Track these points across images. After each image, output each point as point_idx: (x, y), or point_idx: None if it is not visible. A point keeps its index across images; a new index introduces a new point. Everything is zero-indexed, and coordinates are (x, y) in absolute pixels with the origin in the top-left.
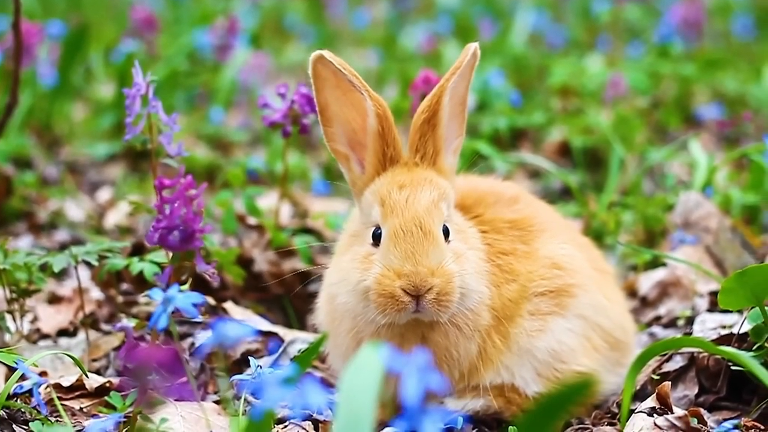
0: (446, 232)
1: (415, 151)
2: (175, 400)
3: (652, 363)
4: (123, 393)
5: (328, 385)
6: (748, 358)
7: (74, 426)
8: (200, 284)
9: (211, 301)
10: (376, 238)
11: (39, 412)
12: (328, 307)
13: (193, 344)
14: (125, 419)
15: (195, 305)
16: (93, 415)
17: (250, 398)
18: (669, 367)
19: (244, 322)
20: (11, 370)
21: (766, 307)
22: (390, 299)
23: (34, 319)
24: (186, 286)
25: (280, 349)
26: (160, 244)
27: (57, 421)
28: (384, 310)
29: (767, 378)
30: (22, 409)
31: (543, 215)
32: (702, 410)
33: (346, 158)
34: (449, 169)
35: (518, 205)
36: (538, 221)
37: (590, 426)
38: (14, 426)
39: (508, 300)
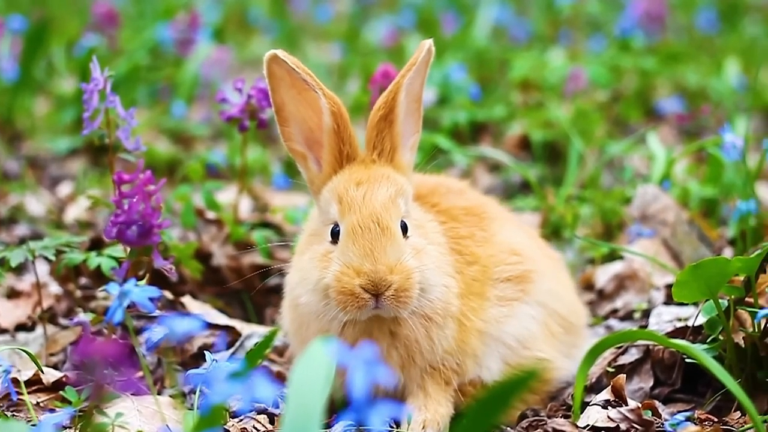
0: (404, 228)
1: (372, 147)
2: (131, 394)
3: (608, 355)
4: (78, 387)
5: (283, 379)
6: (699, 351)
7: (30, 420)
8: (158, 279)
9: (169, 295)
10: (335, 235)
11: (12, 399)
12: (293, 309)
13: (149, 339)
14: (80, 413)
15: (151, 299)
16: (49, 410)
17: (206, 392)
18: (624, 359)
19: (199, 316)
20: None
21: (720, 300)
22: (350, 297)
23: None
24: (143, 281)
25: (238, 344)
26: (118, 238)
27: (14, 415)
28: (345, 307)
29: (719, 371)
30: None
31: (490, 205)
32: (657, 402)
33: (303, 157)
34: (406, 165)
35: (466, 194)
36: (488, 209)
37: (545, 418)
38: None
39: (473, 280)
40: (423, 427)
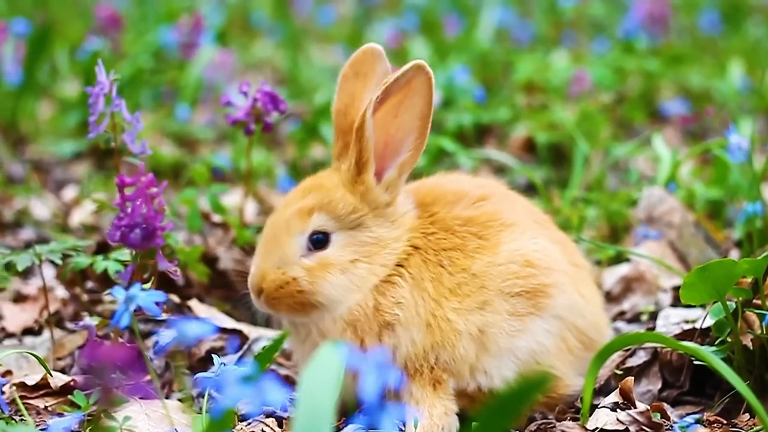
0: (321, 242)
1: (337, 157)
2: (139, 398)
3: (616, 358)
4: (86, 392)
5: (291, 382)
6: (708, 354)
7: (38, 425)
8: (165, 282)
9: (175, 299)
10: None
11: (2, 411)
12: None
13: (157, 342)
14: (89, 418)
15: (157, 303)
16: (57, 414)
17: (214, 396)
18: (632, 362)
19: (206, 319)
20: None
21: (727, 302)
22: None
23: None
24: (149, 285)
25: (245, 347)
26: (122, 242)
27: (21, 420)
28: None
29: (728, 373)
30: None
31: (513, 211)
32: (665, 405)
33: None
34: (372, 182)
35: (485, 202)
36: (503, 216)
37: (553, 421)
38: None
39: (448, 290)
40: None
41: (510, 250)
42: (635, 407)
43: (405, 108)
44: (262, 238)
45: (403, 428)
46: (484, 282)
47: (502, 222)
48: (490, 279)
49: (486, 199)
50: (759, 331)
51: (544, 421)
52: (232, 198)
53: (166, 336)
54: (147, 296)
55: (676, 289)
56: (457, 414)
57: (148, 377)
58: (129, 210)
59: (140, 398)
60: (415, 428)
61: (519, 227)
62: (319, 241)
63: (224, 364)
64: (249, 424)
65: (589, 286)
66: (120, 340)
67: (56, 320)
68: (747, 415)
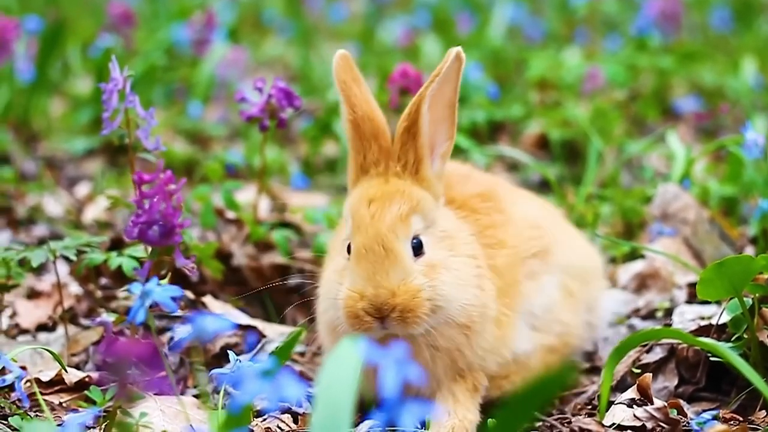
0: (419, 246)
1: (397, 159)
2: (154, 394)
3: (632, 354)
4: (102, 387)
5: (306, 378)
6: (727, 350)
7: (54, 420)
8: (179, 279)
9: (190, 295)
10: (349, 251)
11: (19, 407)
12: (323, 316)
13: (172, 338)
14: (104, 413)
15: (174, 299)
16: (72, 410)
17: (230, 391)
18: (649, 358)
19: (222, 315)
20: None
21: (744, 298)
22: (356, 319)
23: (13, 314)
24: (165, 281)
25: (260, 344)
26: (140, 239)
27: (37, 415)
28: (352, 328)
29: (746, 369)
30: (1, 405)
31: (498, 183)
32: (681, 401)
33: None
34: (433, 176)
35: (473, 178)
36: (498, 188)
37: (569, 416)
38: None
39: (505, 270)
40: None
41: (519, 219)
42: (652, 403)
43: (436, 98)
44: (359, 257)
45: (421, 426)
46: (517, 254)
47: (500, 194)
48: (516, 249)
49: (471, 176)
50: None
51: (561, 416)
52: (246, 195)
53: (182, 332)
54: (163, 291)
55: (692, 285)
56: None
57: (164, 373)
58: (147, 207)
59: (155, 394)
60: (428, 426)
61: (511, 196)
62: (418, 245)
63: (239, 360)
64: (264, 420)
65: (568, 225)
66: (136, 336)
67: (70, 316)
68: (764, 412)
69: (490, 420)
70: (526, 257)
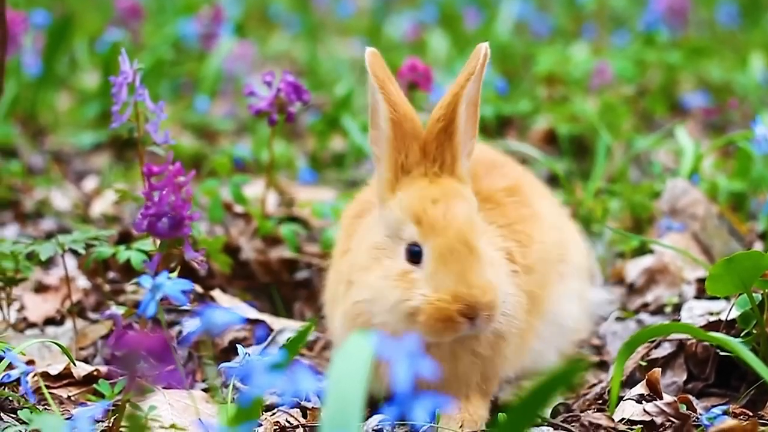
0: None
1: (433, 160)
2: (163, 387)
3: (641, 350)
4: (111, 381)
5: (315, 372)
6: (737, 344)
7: (61, 415)
8: (187, 273)
9: (198, 289)
10: (414, 255)
11: (27, 401)
12: (356, 323)
13: (180, 332)
14: (113, 407)
15: (184, 292)
16: (80, 404)
17: (239, 385)
18: (657, 353)
19: (231, 309)
20: None
21: (753, 294)
22: (447, 323)
23: (21, 308)
24: (174, 274)
25: (270, 338)
26: (149, 231)
27: (45, 409)
28: (438, 332)
29: (756, 363)
30: (10, 398)
31: (524, 176)
32: (691, 397)
33: (378, 162)
34: (466, 174)
35: (503, 168)
36: (523, 182)
37: (579, 413)
38: (2, 414)
39: (533, 269)
40: (461, 426)
41: (544, 218)
42: (662, 398)
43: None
44: (443, 259)
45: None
46: (546, 254)
47: (526, 188)
48: (546, 249)
49: (498, 165)
50: None
51: (570, 413)
52: (254, 189)
53: (191, 325)
54: (173, 285)
55: (700, 281)
56: None
57: (173, 367)
58: (156, 199)
59: (164, 388)
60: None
61: (532, 190)
62: None
63: (248, 354)
64: (273, 414)
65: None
66: (146, 329)
67: (78, 310)
68: None
69: (500, 414)
70: (556, 262)
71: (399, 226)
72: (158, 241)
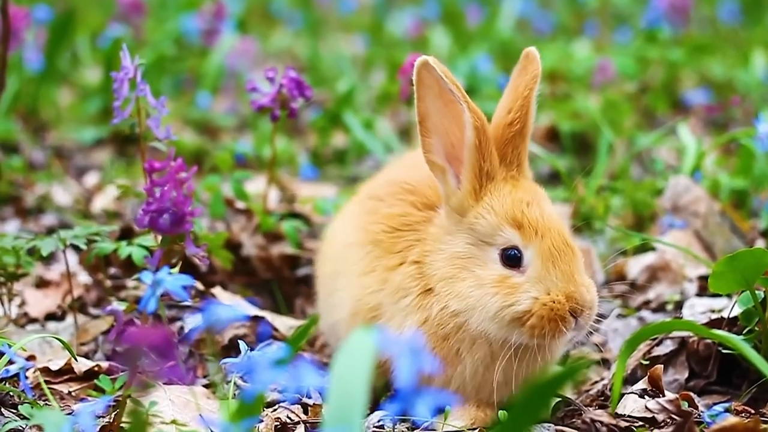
0: None
1: (509, 163)
2: (164, 383)
3: (642, 347)
4: (112, 376)
5: (318, 368)
6: (740, 342)
7: (62, 410)
8: (188, 268)
9: (199, 285)
10: (513, 260)
11: (25, 395)
12: (446, 335)
13: (182, 328)
14: (114, 403)
15: (185, 288)
16: (81, 399)
17: (240, 382)
18: (659, 351)
19: (233, 306)
20: None
21: (756, 291)
22: (559, 322)
23: (22, 303)
24: (176, 270)
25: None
26: (151, 227)
27: (45, 404)
28: (548, 334)
29: (758, 360)
30: (11, 393)
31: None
32: (692, 394)
33: (442, 171)
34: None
35: None
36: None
37: (580, 409)
38: (2, 409)
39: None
40: (473, 423)
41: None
42: (664, 395)
43: None
44: (551, 260)
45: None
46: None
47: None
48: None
49: None
50: None
51: (572, 408)
52: (255, 185)
53: (193, 322)
54: (174, 280)
55: (702, 278)
56: None
57: (175, 362)
58: (158, 195)
59: (165, 383)
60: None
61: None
62: None
63: (250, 350)
64: (274, 410)
65: None
66: (146, 325)
67: (79, 306)
68: None
69: (501, 412)
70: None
71: (492, 232)
72: (160, 237)
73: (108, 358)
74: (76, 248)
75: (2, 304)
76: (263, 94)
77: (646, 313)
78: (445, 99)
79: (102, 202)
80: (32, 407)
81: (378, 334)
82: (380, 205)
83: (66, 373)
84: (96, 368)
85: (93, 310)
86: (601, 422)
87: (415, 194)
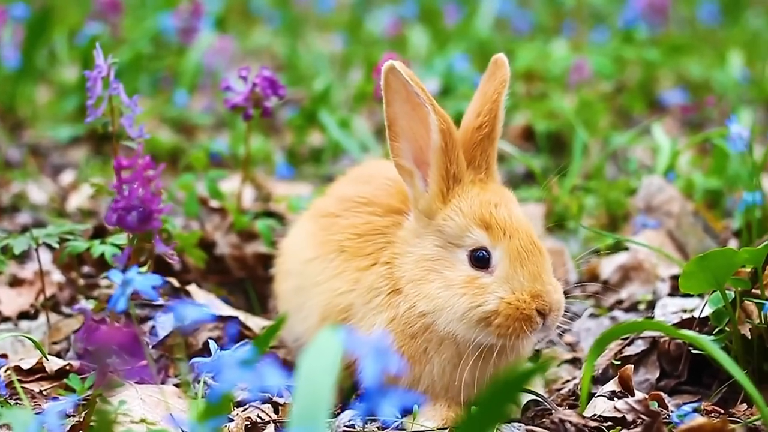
0: None
1: (477, 167)
2: (135, 382)
3: (614, 347)
4: (82, 375)
5: (288, 367)
6: (708, 342)
7: (33, 409)
8: (163, 267)
9: (174, 283)
10: (481, 261)
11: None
12: (414, 334)
13: (153, 327)
14: (84, 402)
15: (154, 287)
16: (53, 398)
17: (210, 381)
18: (630, 351)
19: (205, 305)
20: None
21: (726, 291)
22: (524, 322)
23: None
24: (145, 268)
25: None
26: (119, 224)
27: (17, 403)
28: (514, 333)
29: (727, 362)
30: None
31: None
32: (663, 394)
33: (410, 175)
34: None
35: None
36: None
37: (550, 408)
38: None
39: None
40: (444, 423)
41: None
42: (633, 395)
43: None
44: (519, 260)
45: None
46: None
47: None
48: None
49: None
50: (757, 321)
51: (542, 408)
52: (230, 184)
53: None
54: (144, 280)
55: (675, 278)
56: None
57: (145, 362)
58: (126, 192)
59: (136, 383)
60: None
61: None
62: None
63: (221, 349)
64: (245, 410)
65: None
66: (117, 324)
67: (52, 304)
68: (744, 405)
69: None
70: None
71: (460, 233)
72: (129, 235)
73: (79, 357)
74: (49, 247)
75: None
76: (237, 93)
77: (618, 313)
78: (412, 103)
79: (77, 200)
80: (1, 406)
81: (345, 334)
82: (336, 220)
83: (37, 372)
84: (67, 367)
85: (66, 309)
86: (570, 422)
87: (371, 205)
